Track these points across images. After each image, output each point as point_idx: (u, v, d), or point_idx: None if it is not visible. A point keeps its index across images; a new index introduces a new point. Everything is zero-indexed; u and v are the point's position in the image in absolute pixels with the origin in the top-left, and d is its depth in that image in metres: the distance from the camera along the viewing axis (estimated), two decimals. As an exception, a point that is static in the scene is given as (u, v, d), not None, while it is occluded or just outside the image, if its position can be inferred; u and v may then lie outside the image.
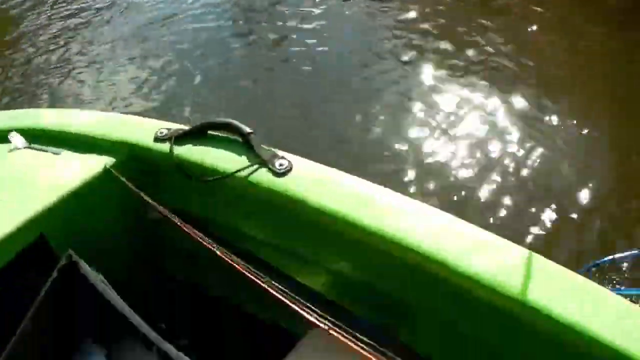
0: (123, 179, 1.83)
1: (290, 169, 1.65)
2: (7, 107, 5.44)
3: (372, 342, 1.13)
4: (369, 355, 1.11)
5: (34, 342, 1.57)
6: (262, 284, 1.35)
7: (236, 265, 1.42)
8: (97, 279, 1.52)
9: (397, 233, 1.45)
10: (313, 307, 1.28)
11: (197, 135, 1.88)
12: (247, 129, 1.76)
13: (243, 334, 2.07)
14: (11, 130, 2.15)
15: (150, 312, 1.60)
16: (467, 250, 1.38)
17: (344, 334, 1.18)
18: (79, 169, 1.89)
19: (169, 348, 1.28)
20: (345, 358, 1.22)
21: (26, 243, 1.75)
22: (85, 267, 1.55)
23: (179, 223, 1.60)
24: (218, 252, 1.46)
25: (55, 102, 5.52)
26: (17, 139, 2.12)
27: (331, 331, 1.20)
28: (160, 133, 1.92)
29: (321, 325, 1.23)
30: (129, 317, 1.41)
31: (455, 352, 1.62)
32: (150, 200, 1.73)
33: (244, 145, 1.76)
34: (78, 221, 1.87)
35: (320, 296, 1.82)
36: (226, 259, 1.43)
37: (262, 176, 1.66)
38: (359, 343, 1.14)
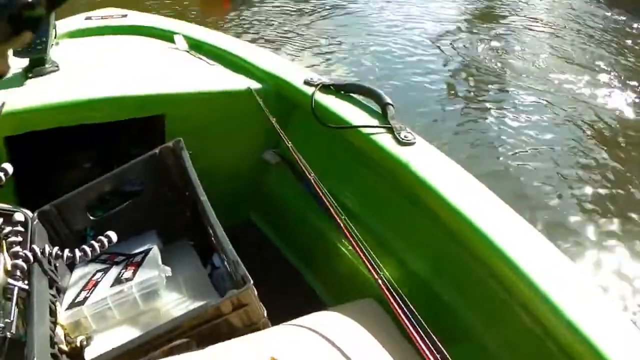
0: (261, 102, 1.98)
1: (413, 144, 1.71)
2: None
3: (422, 327, 1.05)
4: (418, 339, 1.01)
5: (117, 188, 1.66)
6: (352, 241, 1.30)
7: (337, 218, 1.38)
8: (195, 176, 1.57)
9: (502, 260, 1.32)
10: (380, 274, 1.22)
11: (340, 91, 2.01)
12: (388, 100, 1.86)
13: (291, 287, 2.08)
14: (177, 34, 2.47)
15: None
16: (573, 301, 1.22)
17: (400, 312, 1.09)
18: (225, 81, 2.11)
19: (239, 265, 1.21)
20: (391, 332, 1.22)
21: (150, 113, 1.97)
22: (186, 157, 1.62)
23: (299, 160, 1.65)
24: (326, 202, 1.44)
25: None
26: (180, 42, 2.43)
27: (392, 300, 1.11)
28: (310, 79, 2.07)
29: (384, 290, 1.14)
30: (210, 216, 1.38)
31: None
32: (278, 128, 1.83)
33: (379, 113, 1.86)
34: (201, 122, 2.05)
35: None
36: (331, 209, 1.40)
37: (385, 139, 1.72)
38: (410, 325, 1.05)
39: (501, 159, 4.55)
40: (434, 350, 0.99)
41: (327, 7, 7.99)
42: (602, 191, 4.21)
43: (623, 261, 3.60)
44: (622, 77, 6.08)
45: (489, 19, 7.90)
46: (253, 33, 6.89)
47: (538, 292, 1.22)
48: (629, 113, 5.37)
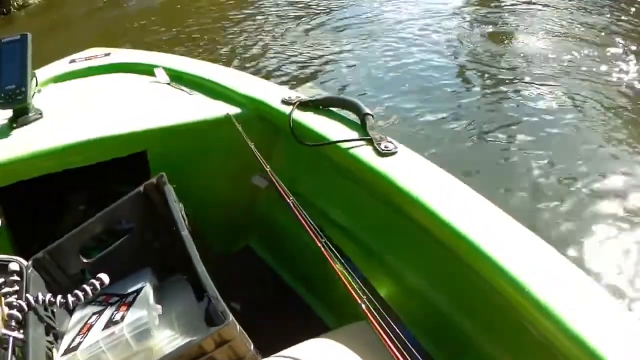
0: (239, 127, 1.99)
1: (395, 154, 1.70)
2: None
3: (415, 353, 1.03)
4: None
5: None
6: (334, 265, 1.31)
7: (317, 241, 1.38)
8: (177, 209, 1.59)
9: (492, 261, 1.29)
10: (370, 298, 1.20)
11: (319, 106, 2.02)
12: (366, 110, 1.86)
13: (291, 312, 2.09)
14: (157, 67, 2.51)
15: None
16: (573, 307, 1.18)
17: (391, 334, 1.07)
18: (205, 110, 2.14)
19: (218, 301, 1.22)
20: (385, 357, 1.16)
21: (131, 151, 2.01)
22: (169, 192, 1.63)
23: (277, 183, 1.65)
24: (306, 226, 1.43)
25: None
26: (161, 74, 2.48)
27: (377, 325, 1.10)
28: (288, 97, 2.09)
29: (369, 315, 1.13)
30: (192, 256, 1.39)
31: None
32: (256, 152, 1.84)
33: (359, 124, 1.86)
34: (185, 154, 2.09)
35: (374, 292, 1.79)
36: (311, 233, 1.41)
37: (366, 152, 1.72)
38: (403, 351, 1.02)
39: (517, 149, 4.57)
40: None
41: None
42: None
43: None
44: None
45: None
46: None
47: (537, 302, 1.19)
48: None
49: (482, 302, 1.44)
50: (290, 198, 1.56)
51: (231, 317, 1.17)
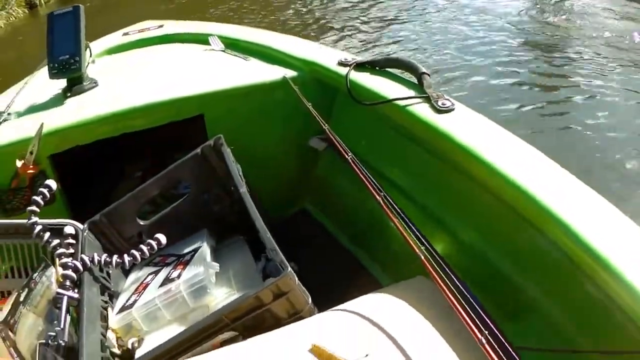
0: (296, 89, 1.95)
1: (452, 111, 1.64)
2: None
3: (475, 301, 0.99)
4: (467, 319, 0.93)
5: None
6: (392, 218, 1.24)
7: (376, 195, 1.31)
8: (235, 168, 1.57)
9: (554, 216, 1.21)
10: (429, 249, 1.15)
11: (375, 67, 1.96)
12: (423, 69, 1.80)
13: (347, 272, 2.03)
14: (211, 35, 2.49)
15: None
16: None
17: (452, 287, 1.01)
18: (261, 74, 2.09)
19: (278, 256, 1.18)
20: (443, 310, 1.11)
21: (188, 115, 1.99)
22: (227, 152, 1.61)
23: (336, 141, 1.59)
24: (365, 181, 1.37)
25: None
26: (215, 42, 2.45)
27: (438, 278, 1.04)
28: (344, 59, 2.04)
29: (429, 266, 1.07)
30: (251, 212, 1.36)
31: None
32: (316, 114, 1.78)
33: (416, 83, 1.80)
34: (242, 117, 2.05)
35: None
36: (370, 188, 1.34)
37: (423, 109, 1.66)
38: (463, 300, 0.97)
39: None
40: (489, 324, 0.92)
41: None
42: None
43: None
44: None
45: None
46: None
47: (600, 258, 1.11)
48: None
49: (541, 260, 1.36)
50: (349, 154, 1.50)
51: (290, 268, 1.11)
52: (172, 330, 1.26)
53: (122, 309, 1.35)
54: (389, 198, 1.29)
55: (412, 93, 1.73)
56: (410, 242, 1.15)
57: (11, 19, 9.95)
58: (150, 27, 2.88)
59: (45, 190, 1.44)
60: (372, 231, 1.94)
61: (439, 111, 1.62)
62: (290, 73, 2.07)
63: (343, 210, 2.14)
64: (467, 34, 6.28)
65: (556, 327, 1.29)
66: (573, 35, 5.96)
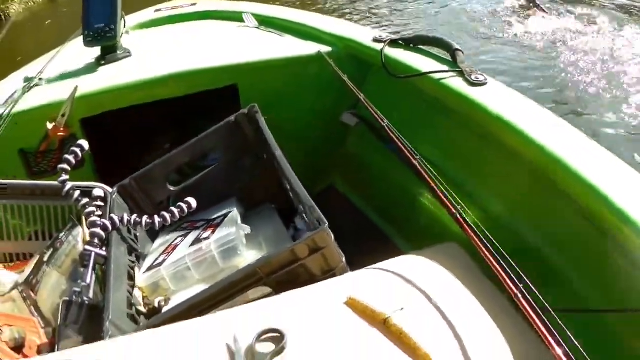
0: (332, 63, 1.95)
1: (485, 84, 1.66)
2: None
3: (511, 269, 0.96)
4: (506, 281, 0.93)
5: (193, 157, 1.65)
6: (431, 182, 1.23)
7: (412, 159, 1.32)
8: (270, 134, 1.54)
9: (590, 186, 1.20)
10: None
11: (409, 44, 1.98)
12: (456, 46, 1.83)
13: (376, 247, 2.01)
14: (245, 13, 2.51)
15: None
16: None
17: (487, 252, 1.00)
18: (296, 48, 2.11)
19: (314, 209, 1.16)
20: (474, 272, 1.14)
21: (222, 84, 2.00)
22: (261, 120, 1.59)
23: (372, 110, 1.60)
24: (400, 145, 1.38)
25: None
26: (250, 19, 2.47)
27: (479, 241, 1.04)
28: (379, 36, 2.05)
29: (466, 227, 1.07)
30: (286, 171, 1.34)
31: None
32: (352, 87, 1.79)
33: (449, 60, 1.82)
34: (275, 90, 2.04)
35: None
36: (405, 151, 1.35)
37: (456, 82, 1.68)
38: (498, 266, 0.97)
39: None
40: (524, 291, 0.90)
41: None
42: None
43: None
44: None
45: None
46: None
47: (634, 228, 1.09)
48: None
49: (575, 234, 1.34)
50: (385, 122, 1.50)
51: (326, 223, 1.07)
52: (199, 291, 1.23)
53: (149, 268, 1.32)
54: (423, 161, 1.29)
55: (445, 67, 1.76)
56: (447, 202, 1.16)
57: (30, 4, 10.05)
58: (184, 5, 2.90)
59: (77, 150, 1.42)
60: (402, 204, 1.95)
61: (472, 84, 1.65)
62: (324, 49, 2.07)
63: (372, 185, 2.15)
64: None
65: (583, 293, 1.29)
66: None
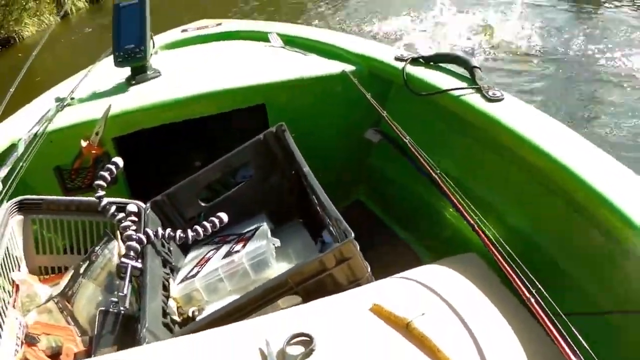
0: (357, 83, 2.00)
1: (502, 100, 1.71)
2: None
3: (529, 280, 1.00)
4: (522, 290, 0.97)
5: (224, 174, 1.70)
6: (452, 196, 1.28)
7: (433, 173, 1.37)
8: (298, 152, 1.59)
9: (608, 209, 1.23)
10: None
11: (430, 62, 2.03)
12: (475, 63, 1.88)
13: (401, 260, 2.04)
14: (270, 33, 2.58)
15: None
16: None
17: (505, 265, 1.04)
18: (320, 67, 2.15)
19: (342, 223, 1.19)
20: (495, 284, 1.17)
21: (251, 103, 2.06)
22: (289, 138, 1.64)
23: (394, 127, 1.65)
24: (422, 160, 1.44)
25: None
26: (275, 39, 2.53)
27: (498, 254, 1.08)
28: (401, 55, 2.11)
29: (486, 241, 1.12)
30: (315, 187, 1.37)
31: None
32: (376, 105, 1.83)
33: (468, 77, 1.87)
34: (301, 108, 2.10)
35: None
36: (426, 165, 1.41)
37: (475, 99, 1.73)
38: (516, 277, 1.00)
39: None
40: (542, 303, 0.93)
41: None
42: None
43: None
44: None
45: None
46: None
47: None
48: None
49: (591, 245, 1.37)
50: (407, 138, 1.56)
51: (353, 234, 1.12)
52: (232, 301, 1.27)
53: (183, 279, 1.37)
54: (444, 175, 1.35)
55: (464, 85, 1.81)
56: (466, 223, 1.20)
57: (43, 25, 10.28)
58: (209, 25, 2.97)
59: (112, 167, 1.47)
60: (423, 217, 2.01)
61: (489, 100, 1.70)
62: (348, 67, 2.12)
63: (395, 199, 2.20)
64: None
65: (596, 299, 1.32)
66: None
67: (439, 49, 5.70)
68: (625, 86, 4.94)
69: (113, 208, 1.45)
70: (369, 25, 7.20)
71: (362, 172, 2.33)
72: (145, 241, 1.37)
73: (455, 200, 1.25)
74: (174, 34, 2.95)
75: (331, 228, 1.34)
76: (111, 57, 2.17)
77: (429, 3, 7.24)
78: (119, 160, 1.49)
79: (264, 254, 1.31)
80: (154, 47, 2.26)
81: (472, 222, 1.18)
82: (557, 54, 5.74)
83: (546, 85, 5.20)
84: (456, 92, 1.78)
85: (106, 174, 1.46)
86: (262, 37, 2.61)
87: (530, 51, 5.87)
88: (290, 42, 2.51)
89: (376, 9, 7.76)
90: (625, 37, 5.90)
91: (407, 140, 1.55)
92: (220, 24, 2.97)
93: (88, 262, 1.45)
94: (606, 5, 6.88)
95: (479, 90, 1.76)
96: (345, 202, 2.33)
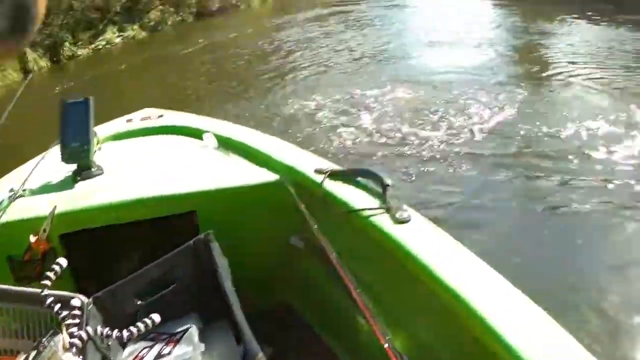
0: (292, 192, 2.19)
1: (408, 222, 1.85)
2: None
3: None
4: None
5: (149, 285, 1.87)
6: (365, 311, 1.47)
7: (353, 292, 1.55)
8: (222, 263, 1.80)
9: (498, 341, 1.36)
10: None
11: (347, 176, 2.21)
12: (388, 181, 2.03)
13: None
14: (206, 132, 2.74)
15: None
16: None
17: None
18: (248, 175, 2.32)
19: (251, 343, 1.39)
20: None
21: (182, 210, 2.22)
22: (215, 248, 1.83)
23: (323, 242, 1.84)
24: (344, 277, 1.63)
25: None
26: (210, 140, 2.69)
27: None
28: (321, 168, 2.28)
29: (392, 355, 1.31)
30: (233, 304, 1.59)
31: None
32: (308, 216, 2.02)
33: (380, 193, 2.02)
34: (230, 215, 2.25)
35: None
36: (347, 282, 1.59)
37: (382, 220, 1.88)
38: None
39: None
40: None
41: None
42: None
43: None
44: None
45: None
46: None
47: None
48: None
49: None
50: (333, 254, 1.74)
51: (261, 353, 1.33)
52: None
53: (120, 379, 1.55)
54: (362, 294, 1.53)
55: (375, 204, 1.95)
56: (377, 332, 1.40)
57: (7, 81, 10.41)
58: (152, 116, 3.18)
59: (57, 268, 1.65)
60: (345, 323, 2.10)
61: (397, 221, 1.84)
62: (276, 177, 2.28)
63: (319, 303, 2.33)
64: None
65: None
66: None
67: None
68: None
69: (57, 306, 1.62)
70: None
71: (290, 276, 2.45)
72: (86, 338, 1.56)
73: (370, 320, 1.44)
74: (119, 124, 3.15)
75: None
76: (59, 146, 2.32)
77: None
78: (63, 261, 1.66)
79: (189, 359, 1.51)
80: (97, 143, 2.42)
81: (382, 342, 1.36)
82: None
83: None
84: (366, 212, 1.93)
85: (51, 274, 1.63)
86: (198, 134, 2.78)
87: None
88: (224, 143, 2.67)
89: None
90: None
91: (332, 257, 1.72)
92: (162, 116, 3.17)
93: (36, 351, 1.61)
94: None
95: (388, 210, 1.89)
96: (272, 300, 2.44)
